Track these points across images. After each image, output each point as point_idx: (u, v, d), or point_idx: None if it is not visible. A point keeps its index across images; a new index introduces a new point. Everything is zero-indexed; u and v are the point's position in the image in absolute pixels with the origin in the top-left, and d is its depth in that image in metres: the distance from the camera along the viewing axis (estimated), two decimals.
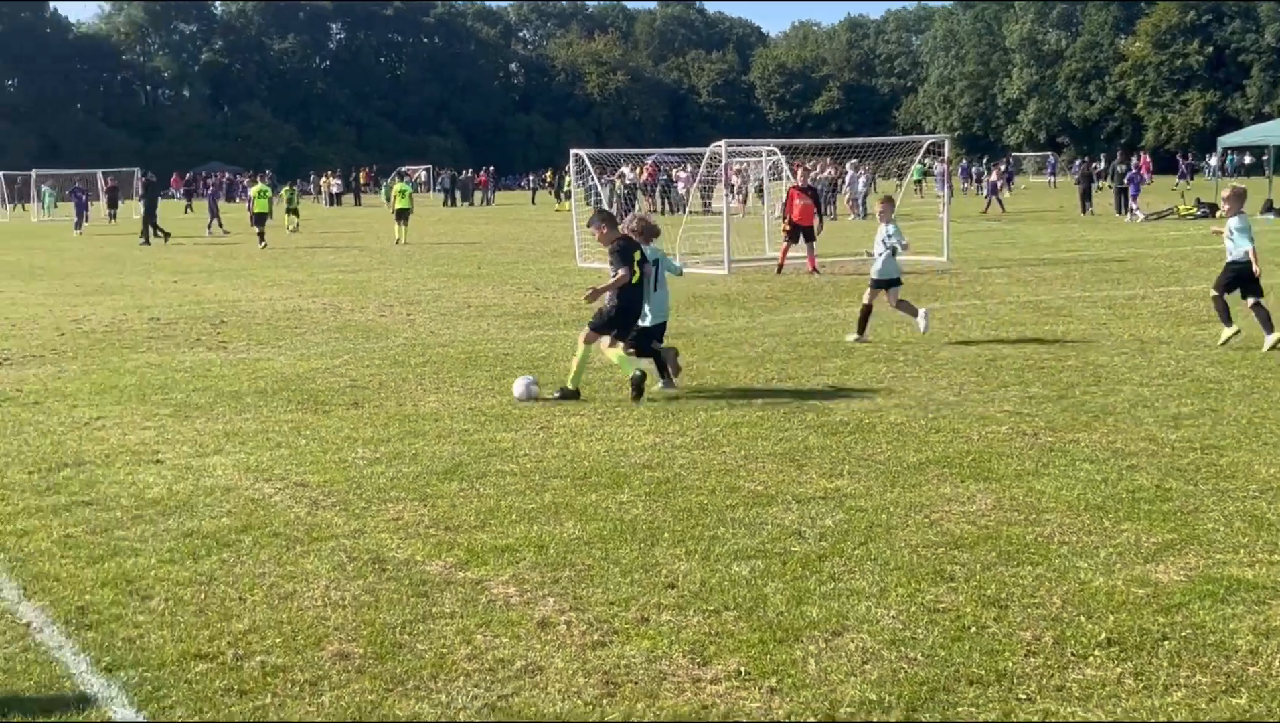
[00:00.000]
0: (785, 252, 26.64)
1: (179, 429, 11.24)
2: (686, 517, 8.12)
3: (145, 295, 23.93)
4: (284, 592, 6.83)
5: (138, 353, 16.14)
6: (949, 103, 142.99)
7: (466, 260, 31.67)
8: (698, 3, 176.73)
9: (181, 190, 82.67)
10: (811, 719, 5.20)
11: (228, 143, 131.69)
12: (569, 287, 24.11)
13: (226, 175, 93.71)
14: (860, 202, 49.73)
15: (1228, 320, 14.62)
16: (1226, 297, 14.72)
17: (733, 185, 47.02)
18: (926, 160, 51.96)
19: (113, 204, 55.01)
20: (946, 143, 32.81)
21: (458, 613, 6.46)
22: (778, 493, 8.64)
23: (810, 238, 26.59)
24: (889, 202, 16.71)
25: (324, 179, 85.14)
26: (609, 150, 44.62)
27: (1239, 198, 14.76)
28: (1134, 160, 62.98)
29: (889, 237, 15.93)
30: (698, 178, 36.76)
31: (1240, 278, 14.71)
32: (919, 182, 60.21)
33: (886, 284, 15.97)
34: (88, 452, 10.37)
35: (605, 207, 32.11)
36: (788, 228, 26.71)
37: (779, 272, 26.11)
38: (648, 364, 12.83)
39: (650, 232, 13.12)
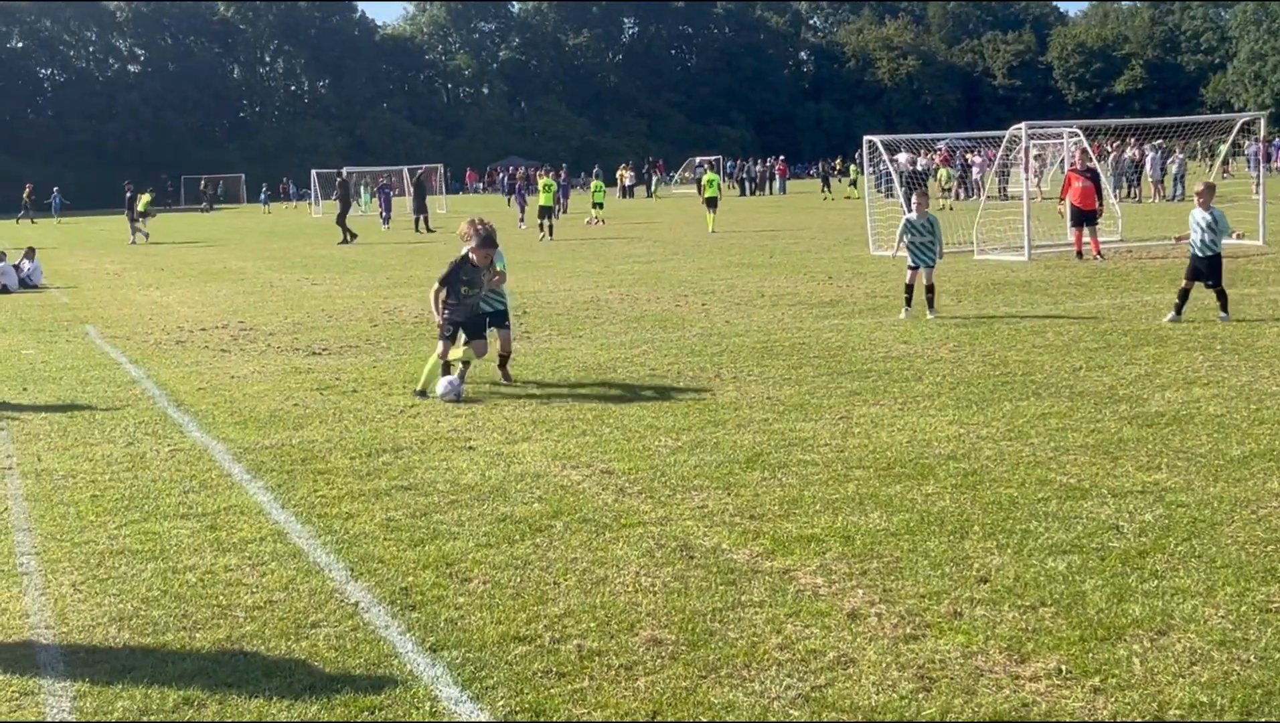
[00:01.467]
0: (1079, 237, 25.75)
1: (488, 417, 11.59)
2: (996, 509, 7.93)
3: None
4: (596, 577, 6.96)
5: None
6: (1260, 79, 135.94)
7: (759, 250, 31.71)
8: None
9: (480, 184, 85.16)
10: (1138, 721, 5.01)
11: (525, 138, 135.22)
12: (862, 275, 23.91)
13: (524, 169, 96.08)
14: (1178, 181, 47.70)
15: None
16: None
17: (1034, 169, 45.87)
18: (1240, 139, 49.53)
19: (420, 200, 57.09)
20: (1262, 121, 31.17)
21: (767, 602, 6.47)
22: (1091, 487, 8.37)
23: (1092, 222, 25.68)
24: (1210, 188, 16.04)
25: (620, 171, 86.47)
26: (901, 136, 44.03)
27: None
28: None
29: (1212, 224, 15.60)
30: (995, 162, 35.92)
31: None
32: (1226, 162, 57.49)
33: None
34: (404, 438, 10.78)
35: (899, 191, 31.71)
36: (1063, 211, 25.93)
37: (1079, 257, 25.31)
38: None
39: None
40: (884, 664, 5.63)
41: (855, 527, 7.69)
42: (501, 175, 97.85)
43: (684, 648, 5.92)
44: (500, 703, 5.42)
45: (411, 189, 50.35)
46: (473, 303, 13.09)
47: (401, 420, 11.58)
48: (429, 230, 46.18)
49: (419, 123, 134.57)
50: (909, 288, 17.50)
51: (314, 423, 11.59)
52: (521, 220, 48.96)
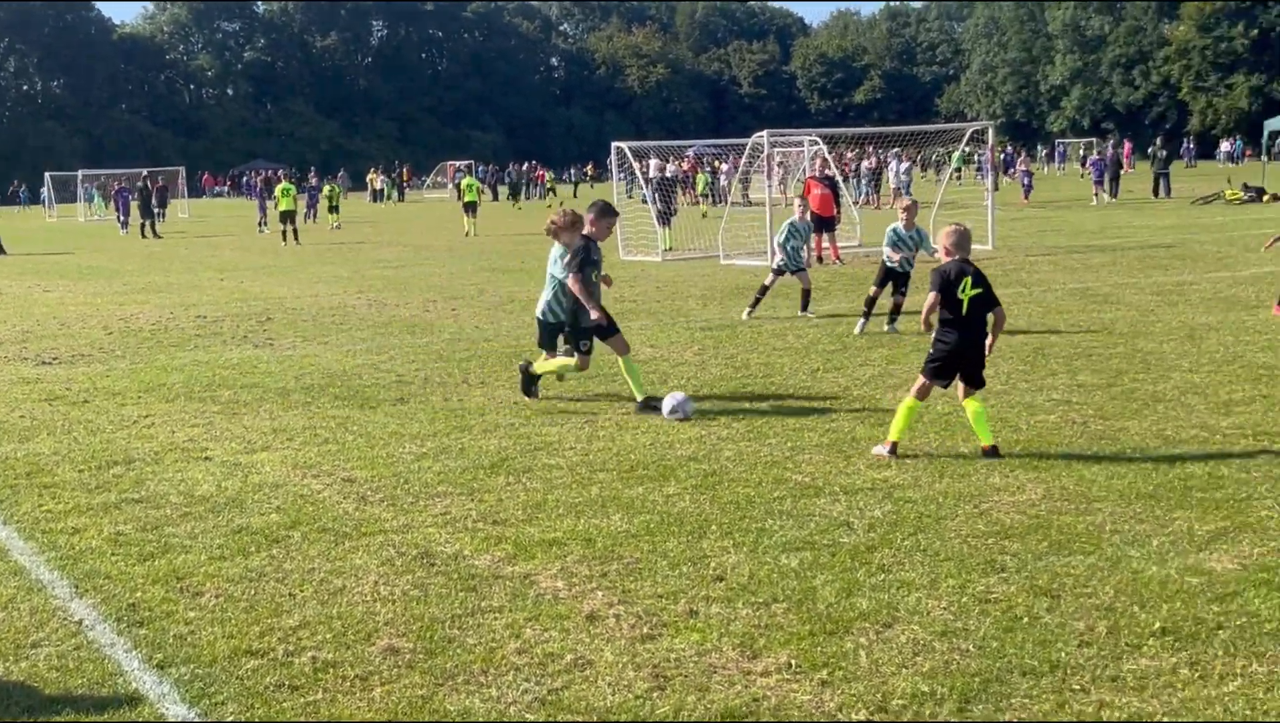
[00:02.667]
0: (819, 242, 26.42)
1: (227, 426, 11.30)
2: (734, 509, 8.09)
3: (191, 293, 24.08)
4: (333, 587, 6.85)
5: (185, 351, 16.24)
6: (991, 90, 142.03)
7: (513, 255, 31.70)
8: None
9: (223, 188, 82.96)
10: (863, 712, 5.17)
11: (271, 140, 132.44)
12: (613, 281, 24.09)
13: (266, 173, 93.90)
14: (904, 190, 49.47)
15: None
16: None
17: (777, 176, 46.94)
18: (969, 148, 51.68)
19: (161, 204, 55.39)
20: (990, 130, 32.55)
21: (506, 607, 6.46)
22: (825, 484, 8.61)
23: (831, 228, 26.43)
24: (914, 206, 16.23)
25: (370, 175, 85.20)
26: (650, 142, 44.57)
27: None
28: (1108, 146, 62.71)
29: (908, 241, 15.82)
30: (739, 169, 36.65)
31: None
32: (959, 170, 59.88)
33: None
34: (137, 449, 10.43)
35: (647, 198, 32.07)
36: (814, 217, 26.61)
37: (819, 262, 26.00)
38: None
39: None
40: (620, 665, 5.69)
41: (597, 529, 7.74)
42: (246, 179, 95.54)
43: (421, 656, 5.87)
44: (230, 719, 5.29)
45: (138, 193, 48.95)
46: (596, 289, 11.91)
47: (135, 431, 11.20)
48: (155, 236, 45.49)
49: (160, 124, 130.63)
50: (805, 293, 17.71)
51: (41, 435, 11.13)
52: (263, 225, 48.02)
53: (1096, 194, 47.85)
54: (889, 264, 15.75)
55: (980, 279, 9.26)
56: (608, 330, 11.79)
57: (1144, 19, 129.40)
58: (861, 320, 15.88)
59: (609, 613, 6.32)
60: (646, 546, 7.38)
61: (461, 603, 6.54)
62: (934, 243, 12.23)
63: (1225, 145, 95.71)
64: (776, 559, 7.04)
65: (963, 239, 9.42)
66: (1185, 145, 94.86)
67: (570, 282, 11.74)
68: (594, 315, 11.62)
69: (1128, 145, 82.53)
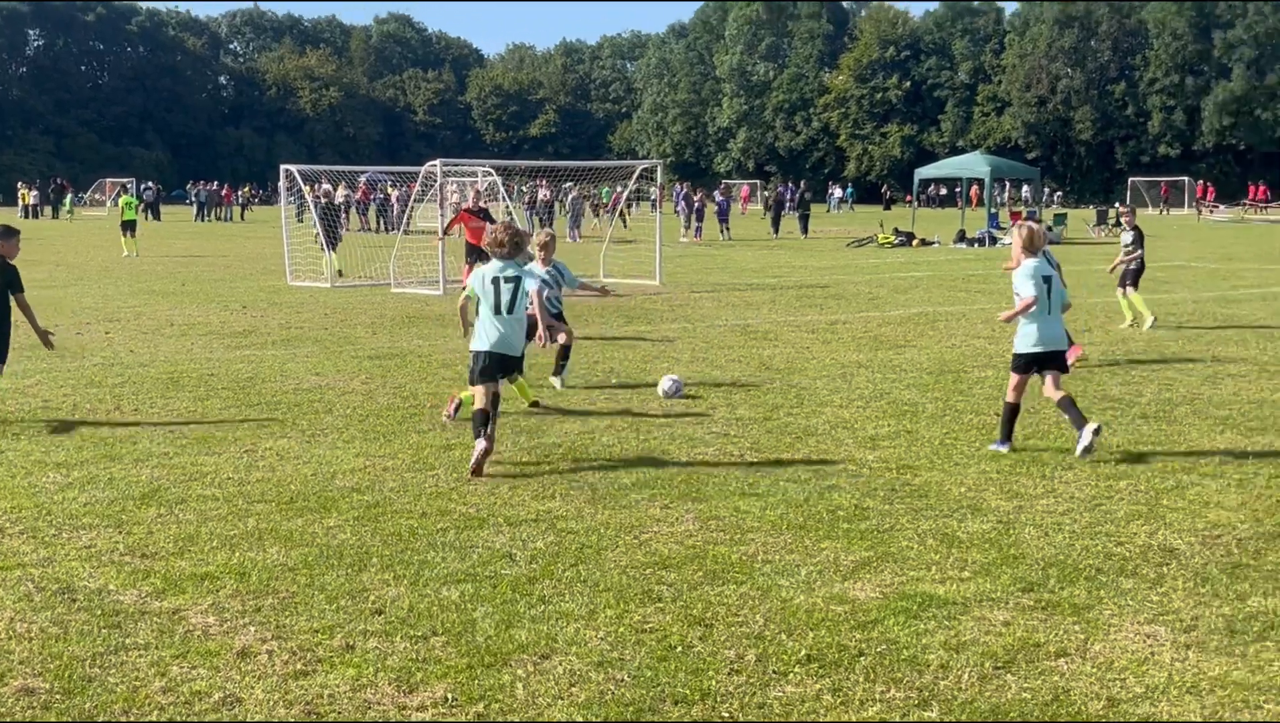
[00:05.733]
0: (468, 272, 26.37)
1: None
2: (396, 541, 8.00)
3: None
4: None
5: None
6: (662, 129, 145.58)
7: (172, 277, 30.64)
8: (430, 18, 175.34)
9: None
10: None
11: None
12: (278, 305, 23.59)
13: None
14: (575, 223, 50.22)
15: None
16: None
17: (454, 205, 46.86)
18: (639, 185, 52.87)
19: None
20: (659, 168, 33.33)
21: (153, 644, 6.20)
22: (489, 516, 8.60)
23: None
24: (551, 240, 14.80)
25: (21, 190, 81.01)
26: (322, 166, 43.86)
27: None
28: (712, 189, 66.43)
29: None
30: (411, 197, 36.44)
31: None
32: (630, 206, 61.15)
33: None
34: None
35: (317, 223, 31.51)
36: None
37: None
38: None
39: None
40: (271, 702, 5.53)
41: (253, 563, 7.52)
42: None
43: (58, 697, 5.58)
44: None
45: None
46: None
47: None
48: None
49: None
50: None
51: None
52: None
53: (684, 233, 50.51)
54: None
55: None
56: None
57: (806, 67, 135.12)
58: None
59: (262, 649, 6.15)
60: (304, 579, 7.21)
61: (104, 641, 6.24)
62: None
63: (837, 192, 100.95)
64: (437, 592, 6.99)
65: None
66: (834, 190, 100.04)
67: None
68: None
69: (745, 189, 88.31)
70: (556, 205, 53.06)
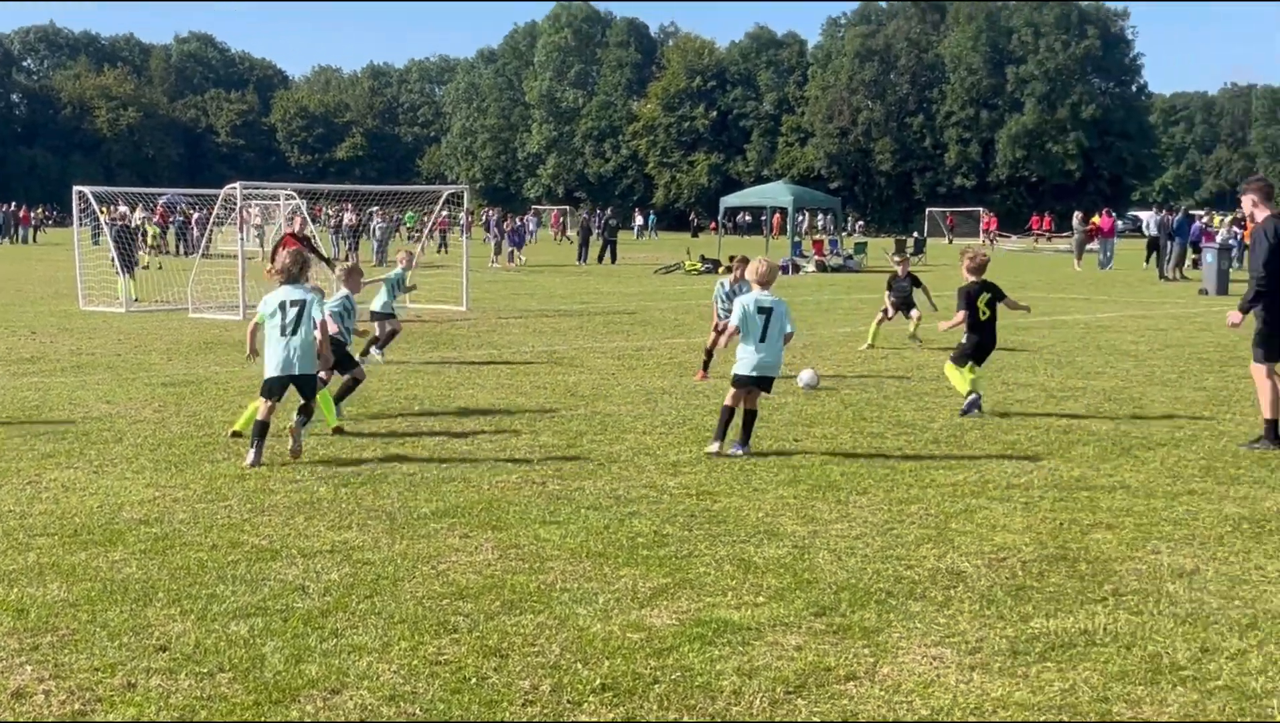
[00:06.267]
0: None
1: None
2: (184, 574, 7.77)
3: None
4: None
5: None
6: (471, 154, 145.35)
7: None
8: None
9: None
10: None
11: None
12: (69, 331, 22.86)
13: None
14: (381, 248, 49.75)
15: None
16: None
17: (257, 228, 46.07)
18: (446, 210, 52.61)
19: None
20: (466, 193, 33.20)
21: None
22: (283, 547, 8.42)
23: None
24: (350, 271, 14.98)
25: None
26: (118, 188, 42.67)
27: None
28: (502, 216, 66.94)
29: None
30: (211, 220, 35.69)
31: None
32: (444, 230, 60.73)
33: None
34: None
35: (112, 246, 30.62)
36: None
37: None
38: None
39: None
40: None
41: (32, 599, 7.24)
42: None
43: None
44: None
45: None
46: None
47: None
48: None
49: None
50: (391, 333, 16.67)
51: None
52: None
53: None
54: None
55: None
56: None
57: (614, 95, 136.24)
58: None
59: (38, 689, 5.91)
60: (85, 615, 6.96)
61: None
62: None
63: (638, 219, 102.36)
64: (225, 627, 6.80)
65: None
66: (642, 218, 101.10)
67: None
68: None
69: (555, 213, 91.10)
70: (364, 230, 52.39)
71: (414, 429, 13.03)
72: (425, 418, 13.75)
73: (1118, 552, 8.47)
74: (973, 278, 14.33)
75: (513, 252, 51.97)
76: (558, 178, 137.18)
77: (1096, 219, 56.46)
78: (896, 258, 22.50)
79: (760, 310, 11.81)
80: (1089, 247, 52.73)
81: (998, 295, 14.41)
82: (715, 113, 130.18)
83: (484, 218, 69.07)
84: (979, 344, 14.38)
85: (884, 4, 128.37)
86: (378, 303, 19.46)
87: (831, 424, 13.51)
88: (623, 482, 10.59)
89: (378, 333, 18.62)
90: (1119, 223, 63.22)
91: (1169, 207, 59.26)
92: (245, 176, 38.36)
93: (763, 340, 11.79)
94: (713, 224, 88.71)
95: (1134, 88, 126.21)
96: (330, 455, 11.60)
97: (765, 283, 12.06)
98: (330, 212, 58.08)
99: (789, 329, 12.01)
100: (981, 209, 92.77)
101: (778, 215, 74.80)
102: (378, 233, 49.14)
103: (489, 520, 9.20)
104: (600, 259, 53.23)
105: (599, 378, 17.10)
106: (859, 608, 7.23)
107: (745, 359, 11.85)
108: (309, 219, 31.20)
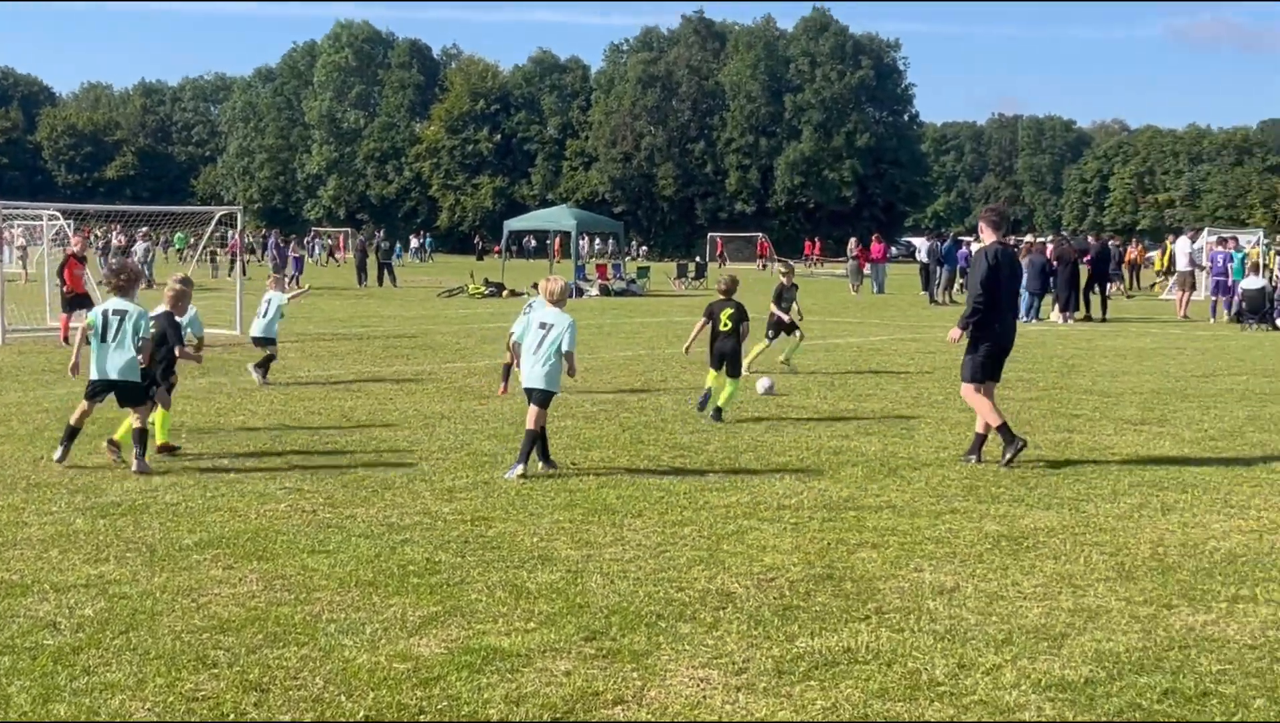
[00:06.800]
0: (66, 322, 25.21)
1: None
2: None
3: None
4: None
5: None
6: (249, 175, 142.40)
7: None
8: None
9: None
10: None
11: None
12: None
13: None
14: (146, 267, 48.41)
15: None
16: None
17: (20, 250, 44.39)
18: (220, 231, 51.48)
19: None
20: (239, 214, 32.49)
21: None
22: (34, 582, 8.07)
23: (86, 305, 25.36)
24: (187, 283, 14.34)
25: None
26: None
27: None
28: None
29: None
30: None
31: None
32: (214, 252, 59.34)
33: None
34: None
35: None
36: (68, 295, 25.41)
37: (65, 341, 24.73)
38: None
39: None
40: None
41: None
42: None
43: None
44: None
45: None
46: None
47: None
48: None
49: None
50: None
51: None
52: None
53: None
54: None
55: None
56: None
57: (397, 116, 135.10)
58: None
59: None
60: None
61: None
62: None
63: (415, 241, 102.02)
64: None
65: None
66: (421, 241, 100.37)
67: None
68: None
69: (341, 236, 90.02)
70: (128, 252, 50.90)
71: (177, 459, 12.65)
72: (192, 445, 13.36)
73: (882, 570, 8.67)
74: (724, 296, 16.31)
75: (287, 276, 51.06)
76: (339, 199, 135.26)
77: (853, 244, 57.83)
78: (782, 268, 22.37)
79: (541, 325, 12.19)
80: (865, 272, 54.09)
81: (742, 315, 16.11)
82: (499, 136, 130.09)
83: (263, 239, 67.73)
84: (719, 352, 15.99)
85: (665, 31, 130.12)
86: (272, 329, 19.54)
87: (609, 447, 13.55)
88: (396, 508, 10.44)
89: (273, 351, 19.37)
90: (892, 249, 65.02)
91: (939, 233, 61.13)
92: (9, 196, 36.87)
93: (536, 354, 12.11)
94: (496, 247, 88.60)
95: (906, 117, 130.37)
96: (88, 484, 11.18)
97: (555, 301, 12.47)
98: (99, 233, 56.32)
99: (566, 347, 12.10)
100: (761, 234, 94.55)
101: (560, 239, 75.05)
102: (140, 254, 47.71)
103: (255, 551, 8.97)
104: (380, 281, 52.67)
105: (376, 403, 16.87)
106: (629, 631, 7.24)
107: (523, 370, 12.32)
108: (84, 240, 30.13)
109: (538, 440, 12.13)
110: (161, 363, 12.95)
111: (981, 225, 13.43)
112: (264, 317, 19.56)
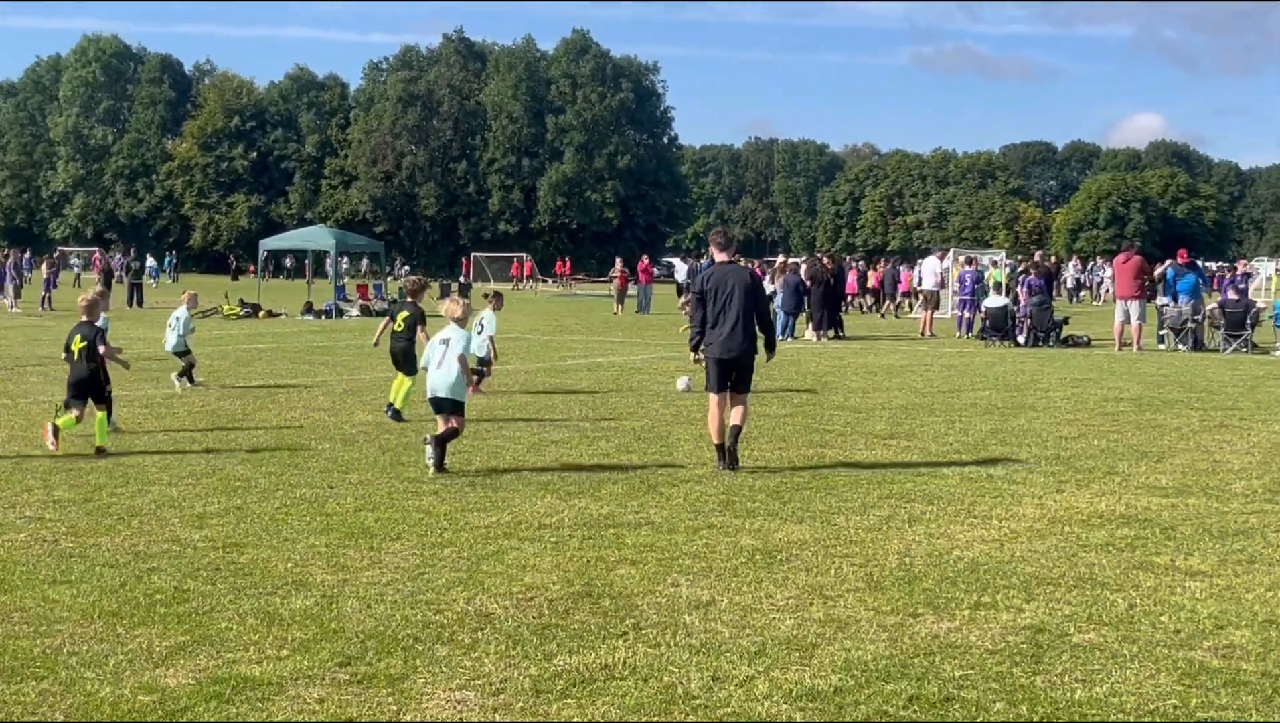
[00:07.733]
0: None
1: None
2: None
3: None
4: None
5: None
6: None
7: None
8: None
9: None
10: None
11: None
12: None
13: None
14: None
15: None
16: None
17: None
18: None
19: None
20: None
21: None
22: None
23: None
24: None
25: None
26: None
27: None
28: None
29: None
30: None
31: None
32: None
33: None
34: None
35: None
36: None
37: None
38: None
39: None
40: None
41: None
42: None
43: None
44: None
45: None
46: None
47: None
48: None
49: None
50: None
51: None
52: None
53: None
54: None
55: None
56: None
57: (148, 133, 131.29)
58: None
59: None
60: None
61: None
62: None
63: (150, 261, 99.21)
64: None
65: None
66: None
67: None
68: None
69: (97, 255, 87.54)
70: None
71: None
72: None
73: (640, 586, 8.75)
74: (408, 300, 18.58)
75: (47, 297, 49.21)
76: (86, 218, 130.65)
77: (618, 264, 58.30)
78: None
79: (442, 341, 13.52)
80: (629, 292, 54.56)
81: (417, 318, 18.03)
82: (255, 154, 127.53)
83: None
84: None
85: (425, 50, 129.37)
86: (184, 343, 21.45)
87: (368, 470, 13.38)
88: (143, 536, 10.11)
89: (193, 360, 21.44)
90: (654, 269, 65.79)
91: (699, 253, 62.13)
92: None
93: (439, 367, 13.41)
94: (251, 267, 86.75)
95: (666, 139, 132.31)
96: None
97: (458, 319, 13.81)
98: None
99: (459, 351, 13.42)
100: (524, 255, 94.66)
101: (323, 258, 73.89)
102: None
103: None
104: (130, 303, 51.02)
105: (121, 427, 16.30)
106: (385, 655, 7.15)
107: (429, 383, 13.56)
108: None
109: (447, 442, 13.34)
110: None
111: (711, 247, 14.33)
112: (175, 331, 21.37)
